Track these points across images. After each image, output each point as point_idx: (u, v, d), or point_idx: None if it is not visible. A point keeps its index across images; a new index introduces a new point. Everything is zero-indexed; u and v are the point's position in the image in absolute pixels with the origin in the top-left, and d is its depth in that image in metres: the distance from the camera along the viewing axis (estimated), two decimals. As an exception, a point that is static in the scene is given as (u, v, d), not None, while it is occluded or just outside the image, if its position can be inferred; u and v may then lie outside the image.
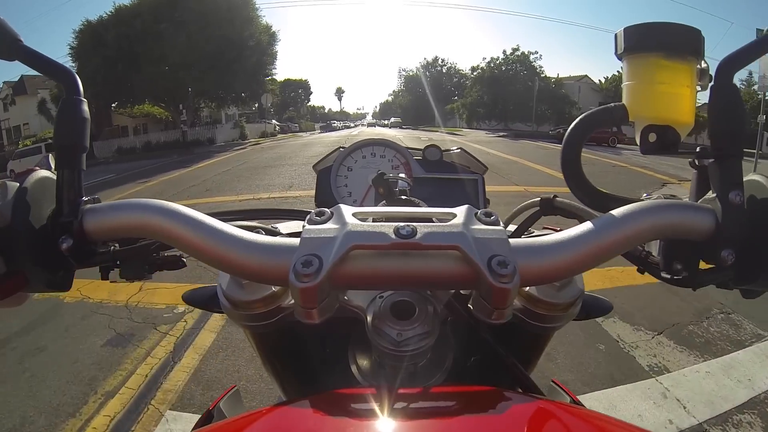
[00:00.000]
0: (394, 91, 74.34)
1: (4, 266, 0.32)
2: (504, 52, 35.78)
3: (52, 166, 0.36)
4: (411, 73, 53.38)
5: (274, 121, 44.24)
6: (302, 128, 45.09)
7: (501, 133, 27.36)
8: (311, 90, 60.87)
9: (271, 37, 25.59)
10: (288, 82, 56.29)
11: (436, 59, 50.21)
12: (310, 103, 65.91)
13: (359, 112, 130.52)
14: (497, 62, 35.66)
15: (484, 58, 40.32)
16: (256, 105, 34.03)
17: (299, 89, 57.76)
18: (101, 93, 21.03)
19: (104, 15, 22.00)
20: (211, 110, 32.89)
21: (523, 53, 34.85)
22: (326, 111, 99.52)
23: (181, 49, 21.09)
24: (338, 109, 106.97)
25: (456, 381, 0.41)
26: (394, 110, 65.50)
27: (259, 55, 24.27)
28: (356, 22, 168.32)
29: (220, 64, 21.90)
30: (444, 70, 50.17)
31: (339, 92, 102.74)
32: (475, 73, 37.93)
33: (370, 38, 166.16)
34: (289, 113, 53.17)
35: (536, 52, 37.44)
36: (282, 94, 54.69)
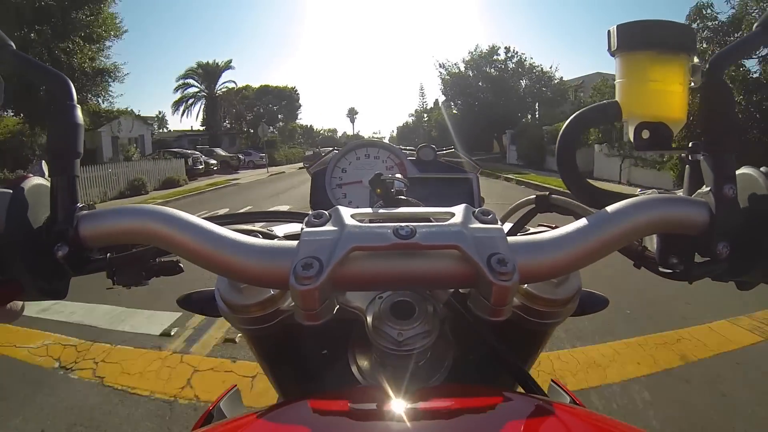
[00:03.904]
0: (416, 111, 56.00)
1: None
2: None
3: (46, 173, 0.36)
4: (456, 71, 32.65)
5: (218, 149, 25.16)
6: (275, 161, 25.45)
7: None
8: (299, 103, 40.88)
9: None
10: (265, 89, 37.65)
11: (493, 48, 30.08)
12: (299, 120, 45.98)
13: (375, 136, 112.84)
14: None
15: None
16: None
17: (282, 100, 38.82)
18: None
19: None
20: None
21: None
22: (339, 135, 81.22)
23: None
24: (352, 132, 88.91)
25: (456, 380, 0.41)
26: (419, 134, 45.98)
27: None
28: (372, 33, 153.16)
29: None
30: (511, 66, 30.02)
31: (352, 113, 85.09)
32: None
33: (387, 52, 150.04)
34: (265, 137, 32.22)
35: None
36: (252, 106, 36.02)
